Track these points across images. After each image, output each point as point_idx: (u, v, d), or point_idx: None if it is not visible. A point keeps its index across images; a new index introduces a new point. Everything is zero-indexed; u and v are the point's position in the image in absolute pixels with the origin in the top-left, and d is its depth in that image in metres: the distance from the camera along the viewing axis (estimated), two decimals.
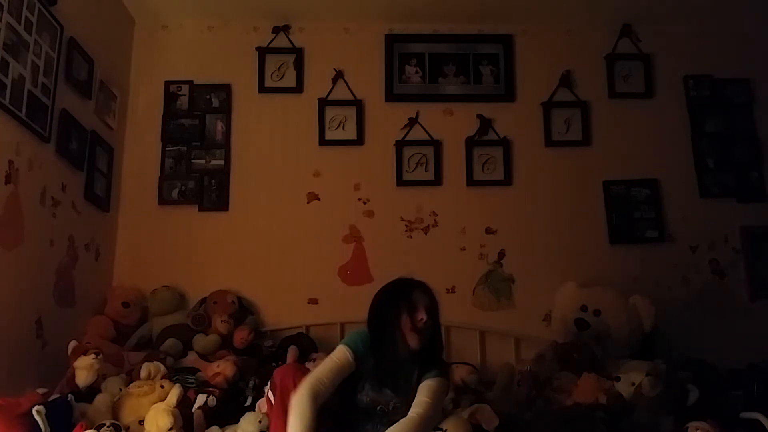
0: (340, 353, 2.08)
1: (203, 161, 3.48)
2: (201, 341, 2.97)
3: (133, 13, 3.56)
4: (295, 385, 1.98)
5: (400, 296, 2.13)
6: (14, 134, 2.46)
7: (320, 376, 2.01)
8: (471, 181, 3.50)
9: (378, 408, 2.08)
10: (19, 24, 2.47)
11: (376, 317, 2.16)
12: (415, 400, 2.03)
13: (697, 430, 2.14)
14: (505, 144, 3.54)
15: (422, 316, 2.08)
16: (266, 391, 2.12)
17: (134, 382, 2.44)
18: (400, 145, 3.52)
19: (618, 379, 2.52)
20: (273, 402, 2.04)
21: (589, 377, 2.54)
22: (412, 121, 3.55)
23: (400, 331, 2.08)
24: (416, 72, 3.62)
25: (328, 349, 2.35)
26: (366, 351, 2.10)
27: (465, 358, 3.05)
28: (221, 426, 2.32)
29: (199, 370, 2.71)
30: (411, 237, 3.44)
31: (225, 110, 3.54)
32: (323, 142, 3.52)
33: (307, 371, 2.06)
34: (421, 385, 2.07)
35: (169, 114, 3.53)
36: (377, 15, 3.59)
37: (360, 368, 2.08)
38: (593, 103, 3.61)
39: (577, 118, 3.58)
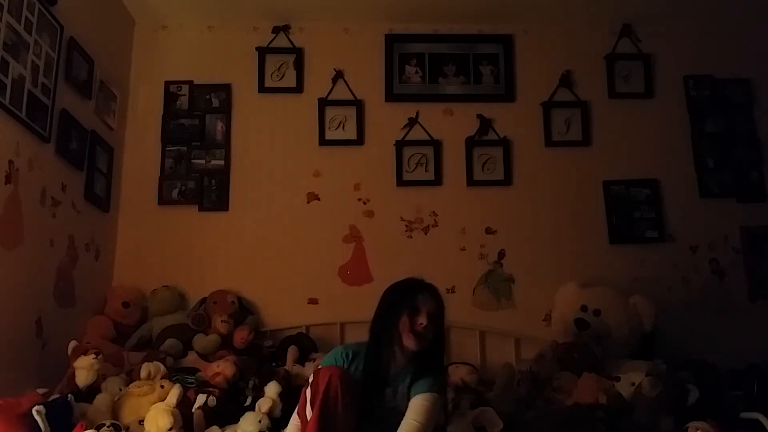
0: None
1: (203, 161, 3.48)
2: (201, 341, 2.97)
3: (133, 13, 3.56)
4: (338, 392, 1.91)
5: (405, 297, 2.10)
6: (14, 134, 2.46)
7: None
8: (471, 181, 3.50)
9: (373, 412, 2.02)
10: (19, 24, 2.47)
11: (379, 316, 2.14)
12: (404, 420, 1.96)
13: (697, 430, 2.14)
14: (505, 144, 3.54)
15: (423, 320, 2.04)
16: (304, 392, 1.99)
17: (134, 382, 2.45)
18: (400, 145, 3.52)
19: (618, 379, 2.52)
20: (309, 404, 1.94)
21: (589, 377, 2.55)
22: (412, 121, 3.55)
23: (398, 332, 2.05)
24: (416, 72, 3.62)
25: (328, 350, 2.34)
26: (348, 362, 2.06)
27: (465, 358, 3.05)
28: (221, 426, 2.32)
29: (199, 370, 2.71)
30: (411, 237, 3.44)
31: (225, 110, 3.54)
32: (323, 142, 3.52)
33: (348, 377, 1.99)
34: (412, 401, 2.00)
35: (169, 114, 3.53)
36: (377, 15, 3.59)
37: None
38: (593, 103, 3.61)
39: (577, 118, 3.58)
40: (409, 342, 2.04)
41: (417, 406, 1.99)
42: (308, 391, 1.96)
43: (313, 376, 1.98)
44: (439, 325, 2.11)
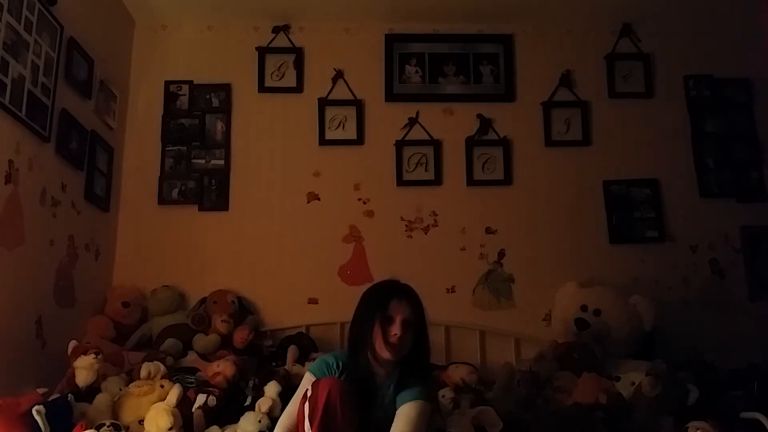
0: (306, 382, 2.00)
1: (203, 161, 3.48)
2: (201, 341, 2.97)
3: (133, 13, 3.56)
4: (337, 406, 1.84)
5: (377, 305, 1.99)
6: (14, 134, 2.46)
7: (292, 411, 1.97)
8: (471, 181, 3.50)
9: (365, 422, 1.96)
10: (19, 24, 2.47)
11: (354, 323, 2.06)
12: (391, 430, 1.89)
13: (697, 430, 2.14)
14: (505, 144, 3.54)
15: (396, 330, 1.93)
16: (302, 405, 1.92)
17: (134, 382, 2.44)
18: (400, 145, 3.52)
19: (618, 379, 2.53)
20: (308, 420, 1.86)
21: (589, 377, 2.55)
22: (412, 121, 3.55)
23: (371, 344, 1.96)
24: (416, 72, 3.62)
25: (328, 349, 2.35)
26: (338, 373, 1.99)
27: (465, 358, 3.04)
28: (221, 426, 2.32)
29: (199, 370, 2.71)
30: (411, 237, 3.44)
31: (225, 110, 3.54)
32: (323, 142, 3.52)
33: (348, 389, 1.90)
34: (399, 410, 1.92)
35: (169, 114, 3.53)
36: (377, 15, 3.59)
37: None
38: (593, 103, 3.61)
39: (577, 118, 3.58)
40: (383, 353, 1.95)
41: (404, 416, 1.91)
42: (306, 405, 1.87)
43: (312, 390, 1.89)
44: (419, 329, 2.00)
